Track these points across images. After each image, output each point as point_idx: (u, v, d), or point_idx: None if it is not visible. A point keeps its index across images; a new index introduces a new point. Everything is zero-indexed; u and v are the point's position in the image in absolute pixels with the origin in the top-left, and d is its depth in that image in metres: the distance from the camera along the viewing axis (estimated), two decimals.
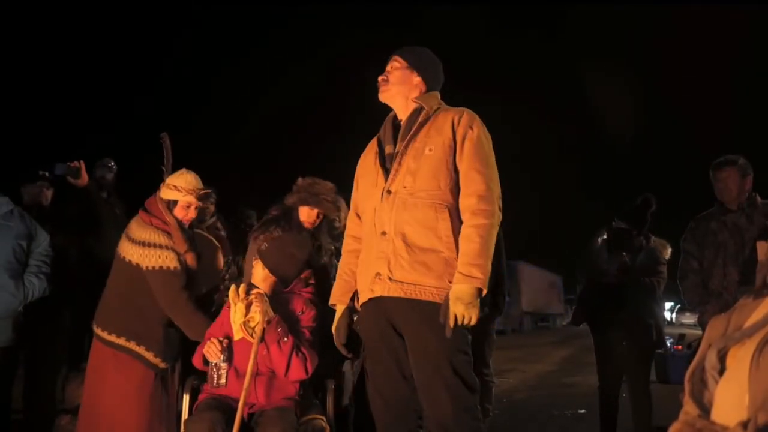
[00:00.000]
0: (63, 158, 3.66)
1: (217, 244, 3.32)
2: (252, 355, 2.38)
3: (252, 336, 2.45)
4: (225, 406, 2.41)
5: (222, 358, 2.50)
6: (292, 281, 2.71)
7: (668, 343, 8.27)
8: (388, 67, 2.34)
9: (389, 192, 2.16)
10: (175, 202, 2.87)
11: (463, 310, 1.98)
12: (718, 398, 0.94)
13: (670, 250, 4.03)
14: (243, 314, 2.47)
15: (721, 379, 0.95)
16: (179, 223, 2.86)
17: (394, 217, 2.13)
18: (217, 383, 2.49)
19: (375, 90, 2.37)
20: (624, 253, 3.78)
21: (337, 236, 3.63)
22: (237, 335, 2.50)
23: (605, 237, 3.94)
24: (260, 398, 2.47)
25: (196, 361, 2.63)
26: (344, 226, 3.75)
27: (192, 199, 2.88)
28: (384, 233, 2.14)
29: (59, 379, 3.91)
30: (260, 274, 2.66)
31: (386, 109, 2.40)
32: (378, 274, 2.12)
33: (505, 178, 2.30)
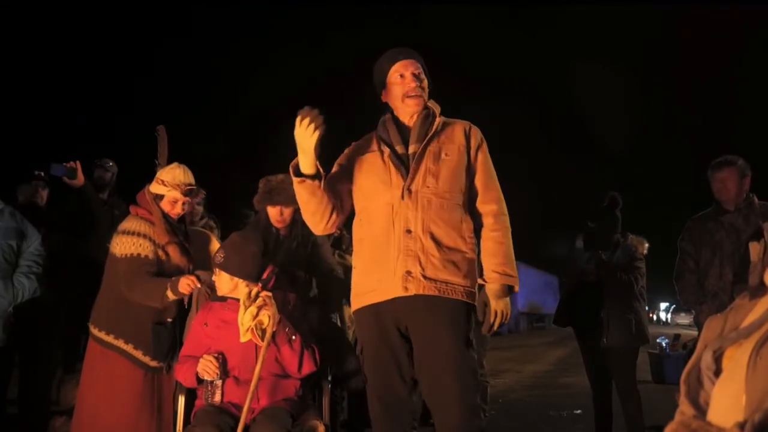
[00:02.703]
0: (60, 158, 3.65)
1: (216, 242, 3.28)
2: (260, 359, 2.34)
3: (262, 339, 2.42)
4: (226, 413, 2.38)
5: (218, 375, 2.46)
6: (260, 277, 2.63)
7: (663, 344, 8.29)
8: (418, 72, 2.31)
9: (410, 191, 2.18)
10: (162, 197, 2.86)
11: (503, 307, 2.18)
12: (714, 399, 0.94)
13: (647, 245, 4.10)
14: (253, 317, 2.45)
15: (718, 380, 0.95)
16: (166, 216, 2.84)
17: (421, 215, 2.16)
18: (212, 400, 2.46)
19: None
20: (600, 251, 3.85)
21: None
22: (244, 338, 2.46)
23: (583, 239, 4.04)
24: (262, 402, 2.45)
25: (184, 380, 2.56)
26: None
27: (177, 194, 2.85)
28: (409, 231, 2.15)
29: (54, 380, 3.90)
30: (228, 286, 2.59)
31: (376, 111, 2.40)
32: (409, 272, 2.12)
33: (501, 178, 2.33)
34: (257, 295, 2.47)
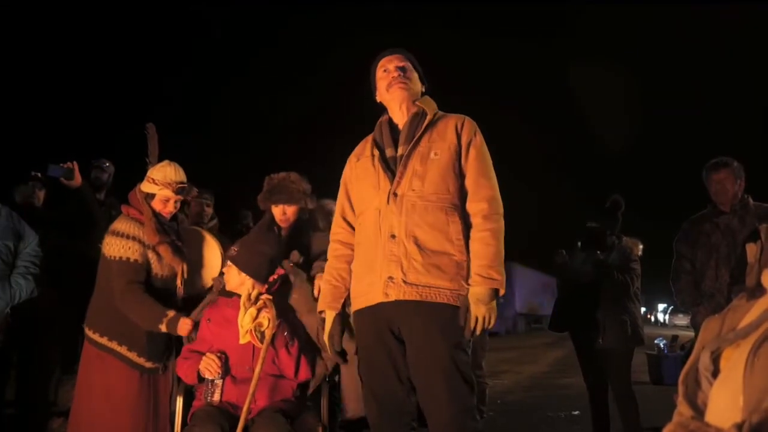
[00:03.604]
0: (57, 159, 3.64)
1: (213, 242, 3.26)
2: (260, 361, 2.35)
3: (261, 341, 2.42)
4: (224, 413, 2.39)
5: (219, 374, 2.47)
6: (267, 279, 2.66)
7: (661, 345, 8.31)
8: (403, 65, 2.32)
9: (395, 195, 2.16)
10: (153, 195, 2.84)
11: (485, 311, 2.06)
12: (712, 400, 0.95)
13: (641, 247, 4.12)
14: (252, 319, 2.45)
15: (716, 381, 0.96)
16: (157, 215, 2.82)
17: (404, 219, 2.13)
18: (211, 399, 2.47)
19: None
20: (598, 252, 3.85)
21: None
22: (243, 339, 2.47)
23: (580, 239, 4.05)
24: (260, 403, 2.45)
25: (186, 376, 2.57)
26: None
27: (169, 192, 2.83)
28: (393, 236, 2.13)
29: (52, 381, 3.89)
30: (236, 280, 2.63)
31: (377, 113, 2.39)
32: (391, 277, 2.11)
33: (499, 179, 2.31)
34: (257, 297, 2.48)
